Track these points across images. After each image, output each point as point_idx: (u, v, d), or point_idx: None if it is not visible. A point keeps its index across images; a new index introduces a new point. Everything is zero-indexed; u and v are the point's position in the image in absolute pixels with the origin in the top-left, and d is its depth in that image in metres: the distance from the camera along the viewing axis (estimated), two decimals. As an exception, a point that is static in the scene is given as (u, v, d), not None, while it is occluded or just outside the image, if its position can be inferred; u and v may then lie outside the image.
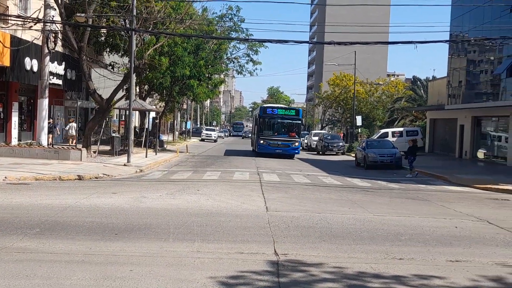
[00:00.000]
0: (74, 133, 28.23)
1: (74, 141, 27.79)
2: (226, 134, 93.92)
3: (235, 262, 7.23)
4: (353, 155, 35.58)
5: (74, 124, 28.49)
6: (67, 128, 28.68)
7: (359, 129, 55.46)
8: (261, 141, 34.01)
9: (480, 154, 35.74)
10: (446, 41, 33.18)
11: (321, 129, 70.24)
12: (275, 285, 6.27)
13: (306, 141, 50.53)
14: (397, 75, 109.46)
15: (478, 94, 35.08)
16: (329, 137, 45.69)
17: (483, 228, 10.97)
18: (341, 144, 43.88)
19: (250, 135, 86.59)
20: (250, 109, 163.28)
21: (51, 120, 27.04)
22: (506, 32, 27.94)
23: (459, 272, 7.27)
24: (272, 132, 34.70)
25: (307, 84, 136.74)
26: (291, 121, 35.27)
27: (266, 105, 38.10)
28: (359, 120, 50.10)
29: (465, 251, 8.64)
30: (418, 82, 63.07)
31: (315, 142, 46.29)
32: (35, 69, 24.50)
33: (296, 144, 34.29)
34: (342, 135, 60.05)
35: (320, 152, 43.06)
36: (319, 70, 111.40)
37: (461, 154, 38.37)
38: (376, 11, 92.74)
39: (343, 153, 42.47)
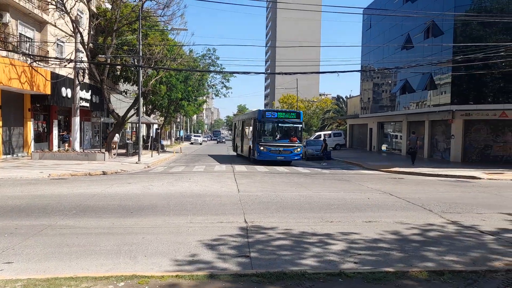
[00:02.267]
0: (116, 140, 28.06)
1: (115, 146, 27.55)
2: (208, 139, 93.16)
3: (217, 229, 7.20)
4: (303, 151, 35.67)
5: (117, 134, 28.13)
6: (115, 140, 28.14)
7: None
8: (261, 148, 22.47)
9: (384, 147, 36.60)
10: (358, 70, 33.91)
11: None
12: (245, 244, 6.27)
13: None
14: (326, 94, 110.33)
15: (381, 107, 35.88)
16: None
17: (386, 198, 11.16)
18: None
19: (224, 140, 74.15)
20: (225, 121, 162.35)
21: (65, 132, 26.62)
22: (399, 63, 28.62)
23: (370, 229, 7.40)
24: (273, 137, 23.19)
25: (264, 102, 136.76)
26: (292, 125, 23.39)
27: (265, 109, 24.99)
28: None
29: (375, 215, 8.78)
30: (341, 99, 64.16)
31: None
32: (69, 95, 24.09)
33: (299, 150, 23.16)
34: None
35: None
36: (272, 92, 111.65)
37: (371, 148, 39.16)
38: (311, 50, 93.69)
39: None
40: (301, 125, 23.40)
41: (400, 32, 30.08)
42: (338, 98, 67.05)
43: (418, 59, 26.19)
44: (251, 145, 24.04)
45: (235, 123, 32.91)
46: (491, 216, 8.69)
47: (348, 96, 56.13)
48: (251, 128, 24.47)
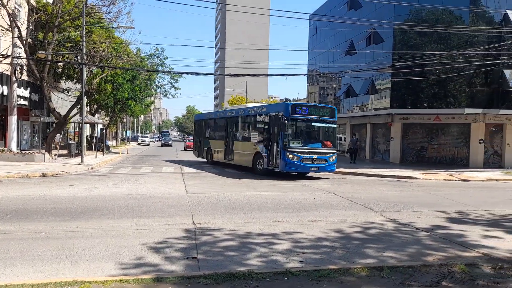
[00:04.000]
0: (58, 140, 26.60)
1: (57, 146, 26.06)
2: (156, 139, 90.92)
3: (164, 231, 7.04)
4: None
5: (58, 134, 26.51)
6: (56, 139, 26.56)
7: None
8: (290, 156, 15.75)
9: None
10: (304, 74, 34.66)
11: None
12: (193, 245, 6.18)
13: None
14: (275, 97, 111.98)
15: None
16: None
17: (331, 198, 11.48)
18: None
19: (171, 142, 60.96)
20: (174, 121, 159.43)
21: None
22: (343, 68, 29.68)
23: (315, 227, 7.58)
24: (302, 141, 16.37)
25: (213, 103, 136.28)
26: (326, 125, 16.82)
27: (294, 103, 17.75)
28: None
29: (320, 214, 8.99)
30: (288, 102, 65.35)
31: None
32: (5, 93, 22.32)
33: (334, 158, 16.90)
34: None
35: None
36: (222, 94, 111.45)
37: (317, 149, 40.15)
38: (260, 52, 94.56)
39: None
40: (335, 126, 17.31)
41: (344, 39, 31.18)
42: (286, 100, 68.38)
43: (360, 64, 27.28)
44: (263, 151, 17.21)
45: (205, 121, 24.59)
46: (426, 214, 9.22)
47: (296, 99, 57.29)
48: (262, 127, 17.58)
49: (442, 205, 10.48)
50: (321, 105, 18.69)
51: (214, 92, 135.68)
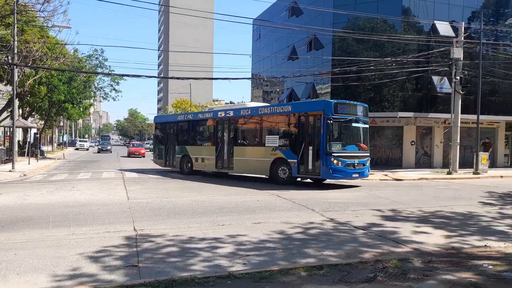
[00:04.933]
0: None
1: None
2: (96, 144, 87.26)
3: (103, 240, 6.77)
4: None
5: None
6: None
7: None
8: (334, 161, 13.86)
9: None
10: (248, 78, 34.95)
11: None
12: (133, 253, 5.99)
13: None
14: (220, 100, 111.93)
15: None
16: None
17: (275, 200, 11.65)
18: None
19: (110, 147, 50.75)
20: (115, 125, 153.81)
21: None
22: (286, 73, 30.30)
23: (259, 230, 7.65)
24: (342, 144, 14.35)
25: (157, 106, 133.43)
26: (363, 125, 15.25)
27: (336, 100, 14.91)
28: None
29: (264, 216, 9.09)
30: (330, 100, 65.46)
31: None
32: None
33: (368, 162, 15.43)
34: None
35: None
36: (166, 96, 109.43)
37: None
38: (204, 55, 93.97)
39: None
40: (368, 126, 15.77)
41: (287, 44, 31.89)
42: (231, 103, 68.67)
43: (302, 69, 28.04)
44: (289, 157, 14.97)
45: (175, 124, 21.11)
46: (363, 213, 9.63)
47: (240, 102, 57.70)
48: (286, 129, 15.49)
49: (378, 204, 11.01)
50: (358, 103, 15.65)
51: (158, 95, 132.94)
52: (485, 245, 6.66)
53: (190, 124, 20.44)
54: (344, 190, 14.17)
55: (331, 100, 14.76)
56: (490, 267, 5.29)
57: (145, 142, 69.44)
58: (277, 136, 15.73)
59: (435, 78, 24.04)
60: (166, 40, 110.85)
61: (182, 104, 63.96)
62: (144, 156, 39.41)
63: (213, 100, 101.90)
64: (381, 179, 18.25)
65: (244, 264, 5.54)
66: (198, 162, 19.26)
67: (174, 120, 22.13)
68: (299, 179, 15.71)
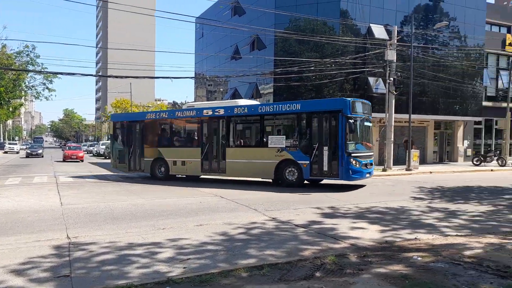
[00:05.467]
0: None
1: None
2: (28, 146, 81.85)
3: (32, 249, 6.33)
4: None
5: None
6: None
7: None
8: (353, 161, 13.48)
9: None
10: (191, 77, 34.58)
11: (107, 140, 66.66)
12: (65, 263, 5.65)
13: (95, 149, 47.27)
14: (162, 100, 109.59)
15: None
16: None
17: (218, 201, 11.61)
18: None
19: (41, 151, 43.30)
20: (49, 126, 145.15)
21: None
22: (229, 73, 30.31)
23: (201, 232, 7.57)
24: (355, 143, 13.94)
25: (95, 106, 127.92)
26: (370, 124, 15.36)
27: (353, 98, 14.53)
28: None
29: (206, 218, 9.00)
30: (177, 105, 64.65)
31: (103, 149, 43.53)
32: None
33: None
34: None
35: (107, 157, 40.30)
36: (104, 96, 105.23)
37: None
38: (146, 54, 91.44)
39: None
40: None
41: (230, 43, 31.90)
42: (174, 104, 67.54)
43: (245, 69, 28.18)
44: (300, 158, 14.25)
45: (142, 123, 18.56)
46: (304, 211, 9.86)
47: (184, 102, 56.88)
48: (297, 129, 14.76)
49: (318, 202, 11.33)
50: (366, 101, 15.18)
51: (96, 94, 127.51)
52: (415, 238, 7.07)
53: (165, 123, 18.36)
54: (288, 189, 14.40)
55: (349, 99, 14.05)
56: (419, 258, 5.62)
57: (83, 144, 66.30)
58: (283, 137, 14.84)
59: (371, 79, 25.19)
60: (104, 37, 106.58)
61: (122, 103, 61.86)
62: (82, 160, 34.70)
63: (156, 100, 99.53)
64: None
65: (184, 268, 5.45)
66: (176, 166, 17.31)
67: (141, 118, 19.11)
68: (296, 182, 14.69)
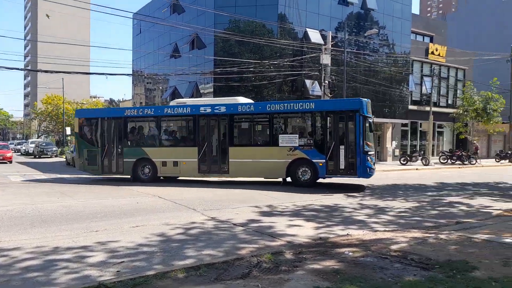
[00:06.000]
0: None
1: None
2: None
3: None
4: (65, 157, 32.54)
5: None
6: None
7: (69, 137, 51.28)
8: (369, 159, 13.92)
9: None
10: (128, 74, 33.44)
11: (37, 138, 62.42)
12: (-16, 271, 5.21)
13: (24, 148, 44.06)
14: (99, 97, 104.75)
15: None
16: (44, 144, 40.55)
17: (155, 201, 11.31)
18: (54, 149, 39.30)
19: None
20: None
21: None
22: (168, 71, 29.68)
23: (136, 233, 7.31)
24: (367, 142, 14.05)
25: (24, 102, 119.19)
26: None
27: (367, 100, 14.37)
28: (68, 130, 46.44)
29: (143, 218, 8.73)
30: (114, 102, 62.14)
31: (32, 148, 40.66)
32: None
33: None
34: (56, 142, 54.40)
35: (37, 156, 37.78)
36: (34, 92, 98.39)
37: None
38: (80, 49, 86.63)
39: (56, 156, 38.21)
40: None
41: (169, 41, 31.24)
42: (111, 101, 64.89)
43: (184, 68, 27.75)
44: (314, 157, 14.21)
45: (121, 120, 16.67)
46: (243, 210, 9.90)
47: (121, 100, 54.76)
48: (312, 128, 14.72)
49: (258, 201, 11.43)
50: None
51: (25, 89, 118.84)
52: (347, 234, 7.36)
53: (151, 120, 16.81)
54: (225, 187, 14.37)
55: (364, 99, 14.15)
56: (350, 254, 5.85)
57: (10, 142, 61.49)
58: (296, 135, 14.61)
59: (308, 82, 25.91)
60: (34, 29, 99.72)
61: (53, 100, 58.16)
62: (11, 162, 30.00)
63: (91, 97, 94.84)
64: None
65: (117, 272, 5.21)
66: (166, 167, 16.02)
67: (117, 115, 17.06)
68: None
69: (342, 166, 14.04)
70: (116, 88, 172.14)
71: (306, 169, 14.47)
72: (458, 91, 36.36)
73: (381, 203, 11.21)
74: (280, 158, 14.59)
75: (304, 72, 25.31)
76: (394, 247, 6.23)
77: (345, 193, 13.21)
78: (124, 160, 16.47)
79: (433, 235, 7.10)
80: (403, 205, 11.01)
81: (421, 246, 6.30)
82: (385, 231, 7.65)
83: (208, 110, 15.52)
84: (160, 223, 8.23)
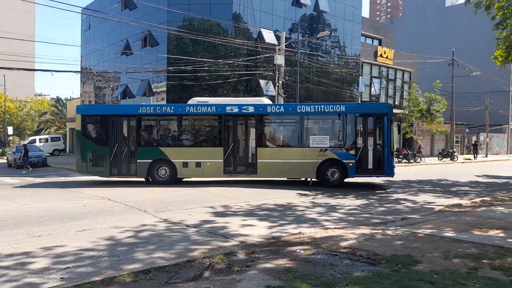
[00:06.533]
0: None
1: None
2: None
3: None
4: (6, 158, 30.64)
5: None
6: None
7: (11, 137, 48.34)
8: (395, 159, 15.77)
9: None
10: (76, 71, 31.98)
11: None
12: None
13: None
14: (44, 95, 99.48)
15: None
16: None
17: (105, 203, 10.91)
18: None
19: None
20: None
21: None
22: (119, 68, 28.82)
23: (83, 238, 7.01)
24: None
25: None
26: None
27: (389, 103, 16.79)
28: (10, 130, 43.84)
29: (90, 222, 8.40)
30: (61, 101, 59.32)
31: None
32: None
33: None
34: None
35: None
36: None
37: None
38: (24, 44, 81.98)
39: (-4, 157, 35.87)
40: None
41: (120, 38, 30.28)
42: (58, 99, 61.85)
43: (136, 65, 27.03)
44: (344, 157, 14.60)
45: (138, 118, 15.54)
46: (197, 211, 9.77)
47: (69, 98, 52.35)
48: (342, 130, 14.96)
49: (211, 201, 11.33)
50: None
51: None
52: (299, 232, 7.48)
53: (170, 119, 15.85)
54: (179, 188, 14.14)
55: (390, 103, 14.13)
56: (302, 252, 5.94)
57: None
58: (326, 137, 14.89)
59: (262, 82, 26.07)
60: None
61: (-6, 96, 54.64)
62: None
63: (35, 94, 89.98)
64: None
65: (61, 278, 4.97)
66: (187, 168, 15.21)
67: (130, 112, 15.80)
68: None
69: (370, 166, 14.63)
70: (63, 86, 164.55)
71: (335, 169, 14.79)
72: (405, 93, 38.08)
73: (332, 201, 11.50)
74: (311, 158, 14.78)
75: (258, 72, 25.45)
76: (343, 244, 6.41)
77: (297, 193, 13.41)
78: (138, 161, 15.29)
79: (380, 231, 7.37)
80: (353, 202, 11.36)
81: (369, 242, 6.52)
82: (335, 228, 7.85)
83: (235, 110, 15.18)
84: (108, 226, 7.95)
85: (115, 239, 6.95)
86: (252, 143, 15.32)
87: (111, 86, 34.20)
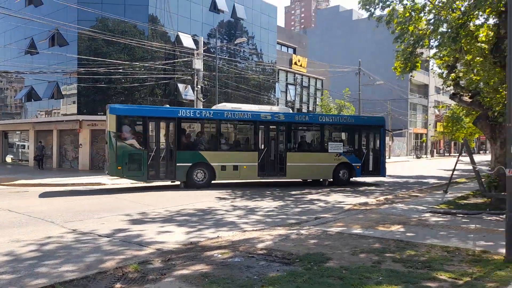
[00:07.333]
0: None
1: None
2: None
3: None
4: None
5: None
6: None
7: None
8: (386, 163, 19.39)
9: (8, 159, 32.67)
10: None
11: None
12: None
13: None
14: None
15: (6, 114, 32.03)
16: None
17: (5, 215, 9.83)
18: None
19: None
20: None
21: None
22: (24, 68, 26.47)
23: (-23, 256, 6.26)
24: None
25: None
26: None
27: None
28: None
29: (-14, 237, 7.54)
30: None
31: None
32: None
33: None
34: None
35: None
36: None
37: (-7, 159, 33.97)
38: None
39: None
40: None
41: (24, 35, 27.78)
42: None
43: (43, 66, 24.99)
44: (353, 161, 17.45)
45: (178, 121, 15.28)
46: (110, 219, 9.25)
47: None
48: (351, 138, 17.99)
49: (128, 208, 10.82)
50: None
51: None
52: (218, 236, 7.44)
53: (210, 124, 16.13)
54: (92, 197, 13.30)
55: (383, 116, 19.83)
56: (219, 256, 5.90)
57: None
58: (341, 143, 17.58)
59: (181, 86, 25.64)
60: None
61: None
62: None
63: None
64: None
65: None
66: (225, 171, 15.66)
67: (169, 115, 15.38)
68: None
69: (371, 168, 17.77)
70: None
71: (345, 171, 17.39)
72: (317, 99, 40.07)
73: (251, 204, 11.65)
74: (329, 162, 17.11)
75: (177, 76, 24.97)
76: (260, 245, 6.50)
77: (217, 197, 13.37)
78: (178, 164, 15.08)
79: (295, 231, 7.62)
80: (270, 204, 11.62)
81: (284, 242, 6.70)
82: (253, 230, 7.95)
83: (269, 117, 16.59)
84: (8, 240, 7.18)
85: (15, 254, 6.30)
86: (281, 147, 16.80)
87: (13, 87, 31.20)
